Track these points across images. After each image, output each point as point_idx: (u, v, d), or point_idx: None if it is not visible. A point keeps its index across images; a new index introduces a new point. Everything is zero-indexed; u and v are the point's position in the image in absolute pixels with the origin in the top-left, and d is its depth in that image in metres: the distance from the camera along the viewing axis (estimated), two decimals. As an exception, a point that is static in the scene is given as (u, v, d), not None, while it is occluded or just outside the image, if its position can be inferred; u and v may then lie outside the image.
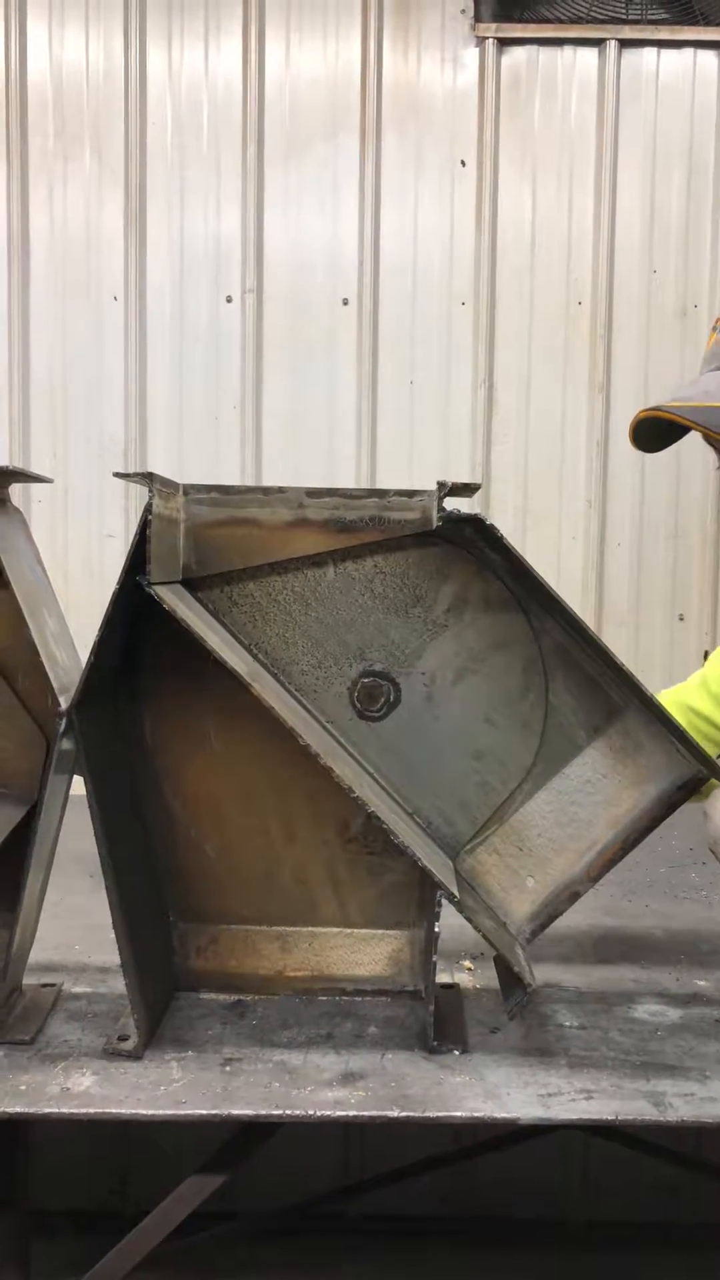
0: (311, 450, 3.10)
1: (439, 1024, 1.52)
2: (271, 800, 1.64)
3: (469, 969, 1.79)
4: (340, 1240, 2.58)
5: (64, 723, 1.47)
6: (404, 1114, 1.34)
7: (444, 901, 1.47)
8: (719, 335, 1.77)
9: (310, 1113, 1.35)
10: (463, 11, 3.04)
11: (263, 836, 1.65)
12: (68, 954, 1.81)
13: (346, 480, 3.06)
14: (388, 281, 3.09)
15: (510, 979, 1.49)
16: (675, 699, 1.75)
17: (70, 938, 1.85)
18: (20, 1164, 1.79)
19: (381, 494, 1.53)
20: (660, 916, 2.09)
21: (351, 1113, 1.35)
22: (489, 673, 1.59)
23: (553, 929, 1.56)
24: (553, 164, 3.09)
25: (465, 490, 1.53)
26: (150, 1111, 1.35)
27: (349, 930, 1.68)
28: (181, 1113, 1.34)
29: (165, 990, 1.64)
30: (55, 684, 1.48)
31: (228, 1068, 1.45)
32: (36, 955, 1.67)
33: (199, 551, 1.53)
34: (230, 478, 3.05)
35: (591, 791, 1.54)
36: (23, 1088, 1.39)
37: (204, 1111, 1.34)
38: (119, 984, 1.52)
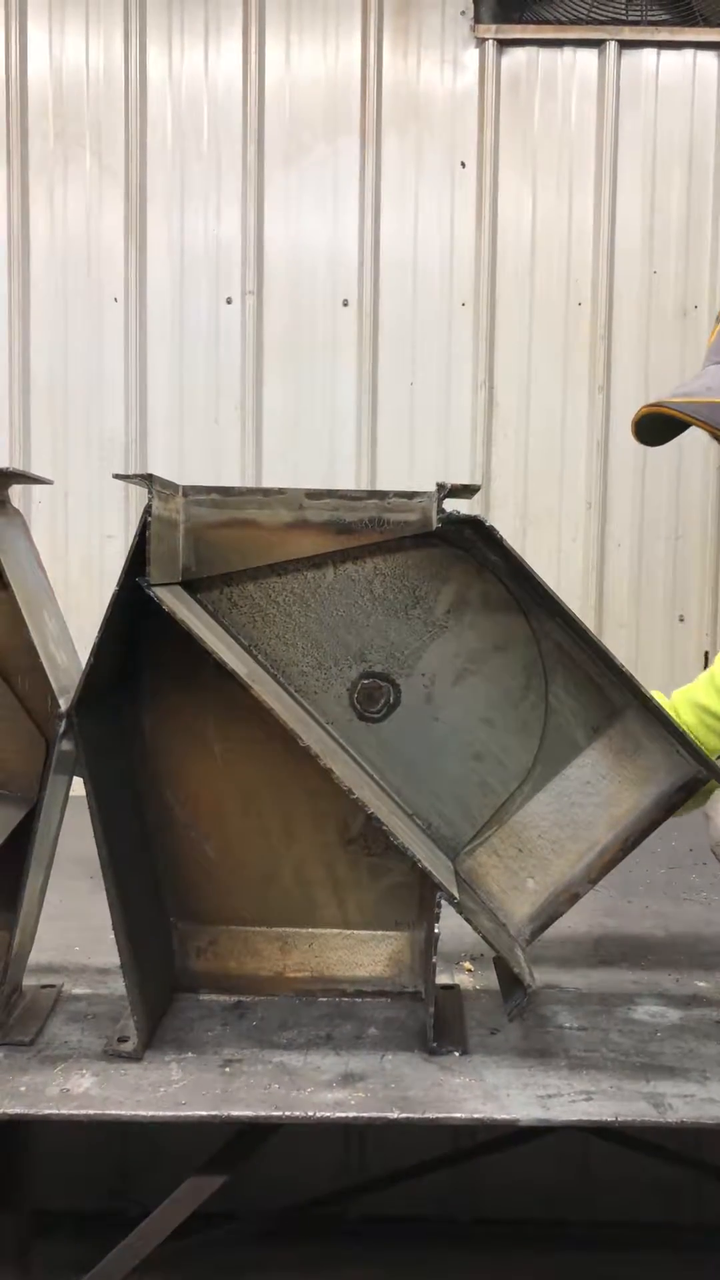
0: (312, 451, 3.10)
1: (439, 1025, 1.52)
2: (271, 801, 1.64)
3: (469, 970, 1.79)
4: (340, 1241, 2.58)
5: (64, 724, 1.47)
6: (403, 1115, 1.34)
7: (444, 903, 1.47)
8: None
9: (310, 1114, 1.35)
10: (462, 13, 3.04)
11: (263, 837, 1.65)
12: (68, 955, 1.81)
13: (347, 481, 3.06)
14: (388, 282, 3.09)
15: (510, 980, 1.49)
16: (686, 696, 1.75)
17: (70, 939, 1.85)
18: (21, 1165, 1.79)
19: (381, 495, 1.53)
20: (660, 918, 2.09)
21: (351, 1114, 1.35)
22: (489, 674, 1.59)
23: (552, 930, 1.56)
24: (553, 165, 3.09)
25: (465, 491, 1.53)
26: (150, 1113, 1.35)
27: (349, 931, 1.68)
28: (181, 1114, 1.34)
29: (165, 991, 1.64)
30: (55, 685, 1.48)
31: (227, 1069, 1.45)
32: (36, 956, 1.67)
33: (199, 553, 1.53)
34: (231, 479, 3.05)
35: (591, 793, 1.54)
36: (22, 1089, 1.39)
37: (203, 1113, 1.34)
38: (119, 985, 1.52)
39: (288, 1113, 1.35)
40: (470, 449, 3.11)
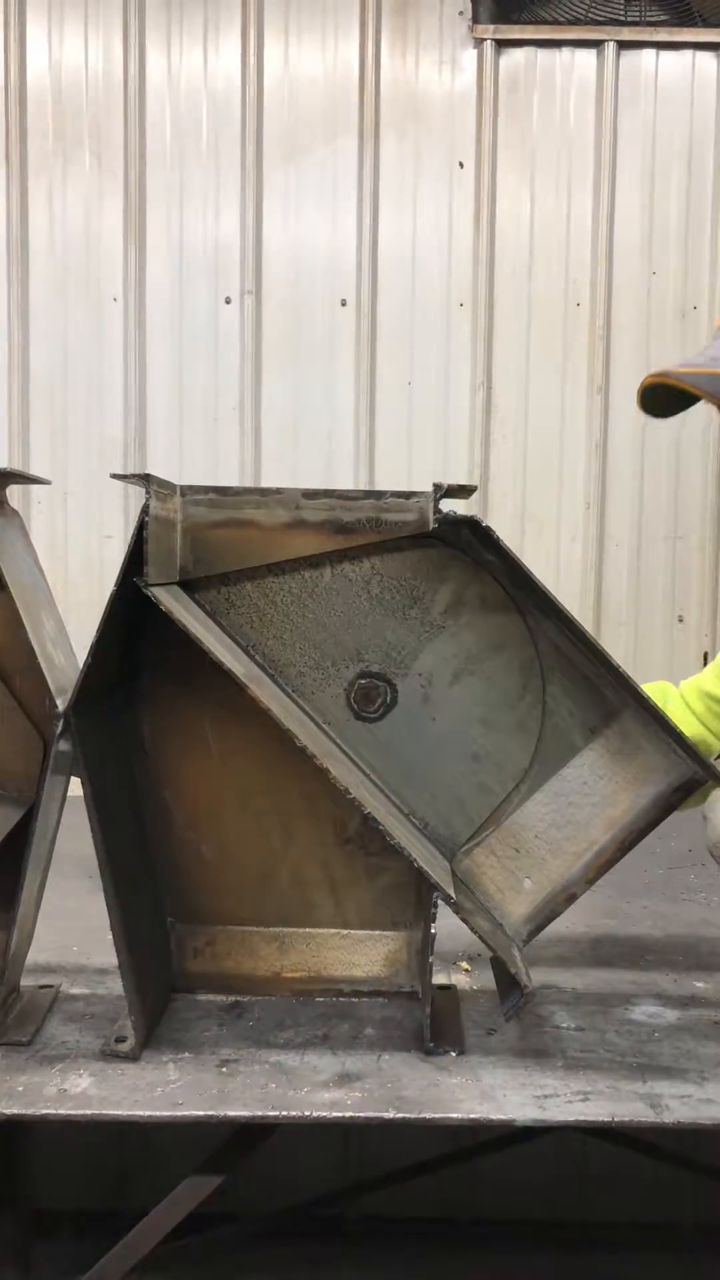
0: (310, 451, 3.11)
1: (436, 1025, 1.52)
2: (269, 801, 1.64)
3: (466, 970, 1.79)
4: (338, 1242, 2.58)
5: (61, 724, 1.47)
6: (400, 1115, 1.35)
7: (441, 903, 1.47)
8: None
9: (306, 1114, 1.35)
10: (461, 13, 3.04)
11: (260, 838, 1.65)
12: (65, 955, 1.81)
13: (345, 481, 3.06)
14: (386, 283, 3.10)
15: (507, 980, 1.49)
16: (695, 685, 1.74)
17: (68, 939, 1.85)
18: (20, 1165, 1.79)
19: (378, 495, 1.53)
20: (658, 918, 2.09)
21: (348, 1114, 1.35)
22: (486, 674, 1.59)
23: (550, 930, 1.56)
24: (551, 165, 3.09)
25: (462, 492, 1.53)
26: (147, 1113, 1.35)
27: (346, 931, 1.68)
28: (178, 1114, 1.34)
29: (163, 992, 1.64)
30: (53, 685, 1.48)
31: (224, 1069, 1.45)
32: (34, 956, 1.67)
33: (196, 553, 1.53)
34: (229, 479, 3.05)
35: (588, 793, 1.54)
36: (20, 1089, 1.39)
37: (201, 1113, 1.35)
38: (117, 985, 1.52)
39: (284, 1113, 1.35)
40: (468, 449, 3.11)
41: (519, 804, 1.58)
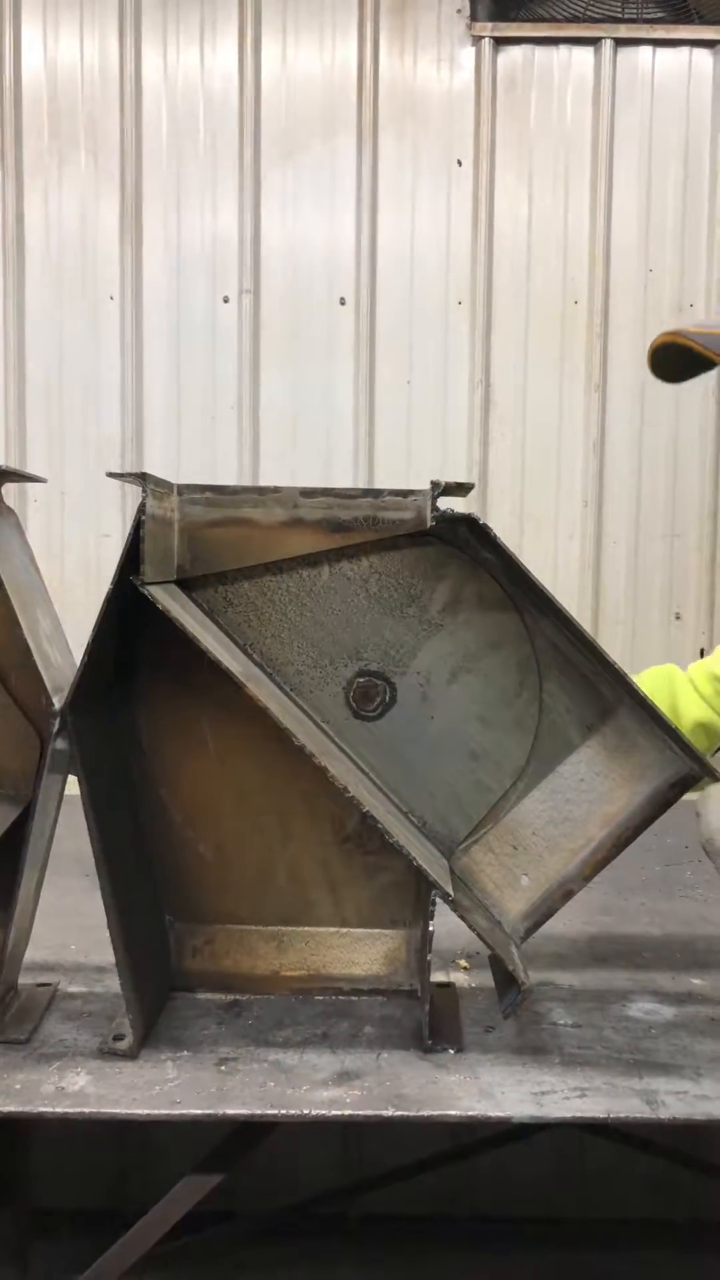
0: (309, 450, 3.10)
1: (434, 1023, 1.52)
2: (267, 800, 1.64)
3: (464, 968, 1.79)
4: (338, 1239, 2.58)
5: (58, 722, 1.47)
6: (399, 1113, 1.35)
7: (439, 900, 1.47)
8: None
9: (305, 1112, 1.35)
10: (458, 11, 3.04)
11: (258, 836, 1.65)
12: (63, 953, 1.81)
13: (344, 480, 3.07)
14: (385, 281, 3.09)
15: (505, 978, 1.49)
16: (703, 668, 1.74)
17: (66, 937, 1.86)
18: (18, 1163, 1.79)
19: (376, 494, 1.53)
20: (655, 915, 2.09)
21: (346, 1112, 1.35)
22: (484, 672, 1.59)
23: (547, 927, 1.56)
24: (549, 163, 3.09)
25: (459, 490, 1.53)
26: (145, 1111, 1.35)
27: (345, 930, 1.68)
28: (176, 1112, 1.34)
29: (161, 990, 1.64)
30: (49, 684, 1.48)
31: (223, 1067, 1.45)
32: (32, 955, 1.67)
33: (194, 551, 1.53)
34: (227, 478, 3.05)
35: (585, 789, 1.55)
36: (18, 1087, 1.39)
37: (199, 1111, 1.35)
38: (114, 984, 1.52)
39: (283, 1111, 1.35)
40: (467, 447, 3.11)
41: (516, 801, 1.58)
